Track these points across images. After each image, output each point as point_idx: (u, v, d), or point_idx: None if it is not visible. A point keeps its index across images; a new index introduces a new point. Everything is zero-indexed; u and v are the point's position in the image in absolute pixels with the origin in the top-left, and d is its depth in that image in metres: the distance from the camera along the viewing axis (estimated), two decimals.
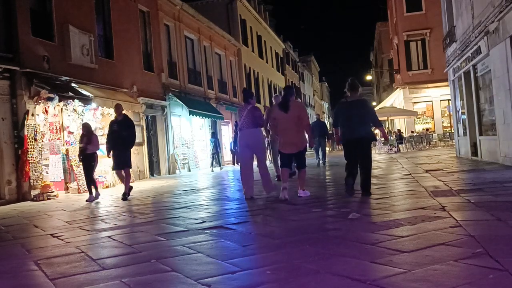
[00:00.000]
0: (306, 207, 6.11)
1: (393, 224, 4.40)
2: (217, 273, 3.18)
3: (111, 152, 9.76)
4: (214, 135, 22.58)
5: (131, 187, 9.92)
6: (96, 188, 10.09)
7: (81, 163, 10.58)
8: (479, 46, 11.56)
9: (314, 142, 10.14)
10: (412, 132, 27.88)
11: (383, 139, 21.20)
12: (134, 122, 16.77)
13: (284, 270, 3.10)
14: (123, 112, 10.30)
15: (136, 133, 16.86)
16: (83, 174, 10.74)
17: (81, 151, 10.03)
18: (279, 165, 7.81)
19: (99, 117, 14.88)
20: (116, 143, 9.59)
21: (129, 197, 9.66)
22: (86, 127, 10.27)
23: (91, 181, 10.05)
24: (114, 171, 10.37)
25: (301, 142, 7.13)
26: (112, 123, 9.98)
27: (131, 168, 10.05)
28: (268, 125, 8.29)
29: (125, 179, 9.74)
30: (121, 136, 9.53)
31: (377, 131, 12.97)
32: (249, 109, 7.56)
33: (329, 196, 7.35)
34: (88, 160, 9.99)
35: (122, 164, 9.68)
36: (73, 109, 13.37)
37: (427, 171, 10.32)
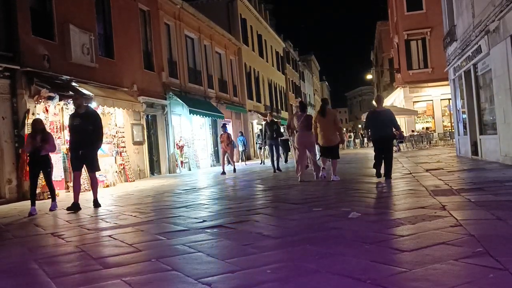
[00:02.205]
0: (306, 206, 6.11)
1: (394, 223, 4.40)
2: (217, 272, 3.18)
3: (74, 152, 8.16)
4: (242, 134, 24.90)
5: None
6: (55, 198, 8.59)
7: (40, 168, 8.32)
8: (480, 45, 11.56)
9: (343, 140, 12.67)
10: (413, 131, 27.88)
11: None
12: (134, 121, 17.05)
13: (284, 269, 3.10)
14: (84, 104, 8.65)
15: (136, 132, 17.28)
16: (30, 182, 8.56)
17: (34, 152, 8.07)
18: (319, 156, 10.51)
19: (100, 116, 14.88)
20: (81, 140, 7.94)
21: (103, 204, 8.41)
22: (38, 123, 8.36)
23: (52, 188, 8.53)
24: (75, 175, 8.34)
25: (335, 139, 9.67)
26: (72, 117, 8.28)
27: (99, 171, 8.59)
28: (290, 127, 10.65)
29: (92, 185, 8.39)
30: (88, 132, 7.92)
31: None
32: (305, 117, 9.96)
33: (330, 195, 7.35)
34: (44, 163, 8.18)
35: (87, 165, 8.12)
36: (74, 108, 13.36)
37: (427, 170, 10.32)
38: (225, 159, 16.57)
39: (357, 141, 45.78)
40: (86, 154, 7.98)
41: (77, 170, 8.14)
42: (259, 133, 22.56)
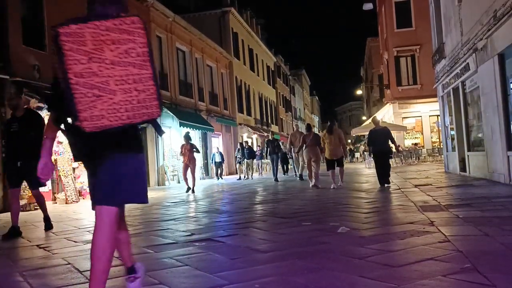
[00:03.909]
0: (296, 220, 6.10)
1: (382, 238, 4.40)
2: (205, 286, 3.15)
3: (11, 165, 6.63)
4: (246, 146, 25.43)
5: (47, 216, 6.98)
6: None
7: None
8: (468, 63, 11.72)
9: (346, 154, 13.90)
10: (399, 146, 28.05)
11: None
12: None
13: (273, 284, 3.08)
14: (24, 106, 7.02)
15: None
16: None
17: None
18: (327, 169, 12.11)
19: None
20: (19, 149, 6.43)
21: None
22: None
23: None
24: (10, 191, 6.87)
25: (340, 153, 11.64)
26: (9, 123, 6.73)
27: (43, 186, 7.12)
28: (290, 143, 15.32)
29: (39, 203, 6.93)
30: (27, 139, 6.37)
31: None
32: (313, 135, 12.17)
33: (319, 209, 7.35)
34: None
35: (26, 181, 6.59)
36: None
37: (416, 185, 10.38)
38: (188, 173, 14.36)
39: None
40: (26, 165, 6.32)
41: (16, 186, 6.63)
42: (239, 147, 22.46)
